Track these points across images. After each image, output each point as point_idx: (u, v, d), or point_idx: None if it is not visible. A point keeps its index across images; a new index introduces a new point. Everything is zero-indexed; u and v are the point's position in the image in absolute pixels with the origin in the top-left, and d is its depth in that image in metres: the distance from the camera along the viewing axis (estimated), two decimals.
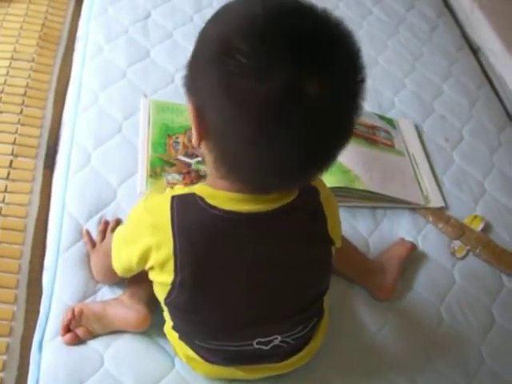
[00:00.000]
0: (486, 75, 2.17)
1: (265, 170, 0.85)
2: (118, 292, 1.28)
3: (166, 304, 1.06)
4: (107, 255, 1.12)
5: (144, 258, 0.98)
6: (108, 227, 1.38)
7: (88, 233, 1.37)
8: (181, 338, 1.13)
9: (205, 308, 1.02)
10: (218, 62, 0.79)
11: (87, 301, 1.28)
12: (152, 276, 1.02)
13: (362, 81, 0.83)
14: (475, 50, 2.26)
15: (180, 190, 0.96)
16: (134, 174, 1.50)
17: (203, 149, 0.90)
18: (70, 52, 1.88)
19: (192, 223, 0.93)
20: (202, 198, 0.92)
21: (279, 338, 1.07)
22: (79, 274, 1.31)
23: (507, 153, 1.88)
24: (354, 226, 1.54)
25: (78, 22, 1.97)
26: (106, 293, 1.29)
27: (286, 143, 0.80)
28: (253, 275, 0.98)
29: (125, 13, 1.94)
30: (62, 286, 1.29)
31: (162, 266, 0.96)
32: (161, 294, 1.04)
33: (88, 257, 1.34)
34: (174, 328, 1.12)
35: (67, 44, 1.91)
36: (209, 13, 2.03)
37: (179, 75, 1.77)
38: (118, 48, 1.82)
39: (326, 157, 0.86)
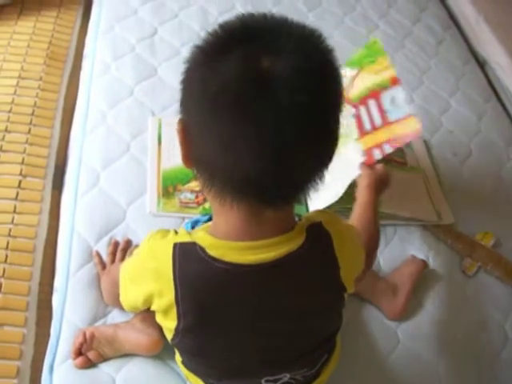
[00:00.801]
0: (493, 89, 2.16)
1: (245, 171, 0.80)
2: (128, 315, 1.27)
3: (172, 345, 1.04)
4: (115, 284, 1.10)
5: (148, 301, 0.96)
6: (118, 248, 1.37)
7: (98, 254, 1.37)
8: (191, 371, 1.11)
9: (211, 353, 1.00)
10: (186, 69, 0.84)
11: (98, 323, 1.27)
12: (158, 319, 1.00)
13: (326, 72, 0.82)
14: (482, 64, 2.26)
15: (183, 236, 0.93)
16: (144, 194, 1.50)
17: (195, 173, 0.88)
18: (77, 70, 1.88)
19: (193, 274, 0.90)
20: (202, 249, 0.89)
21: (288, 375, 1.05)
22: (89, 296, 1.31)
23: None
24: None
25: (84, 40, 1.98)
26: (117, 315, 1.29)
27: (256, 135, 0.77)
28: (258, 324, 0.96)
29: (131, 30, 1.95)
30: (72, 309, 1.29)
31: (165, 312, 0.95)
32: (167, 335, 1.02)
33: (98, 278, 1.34)
34: (184, 364, 1.11)
35: (74, 62, 1.91)
36: None
37: None
38: (125, 66, 1.82)
39: (303, 157, 0.82)
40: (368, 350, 1.35)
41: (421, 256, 1.54)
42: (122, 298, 1.06)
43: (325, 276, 0.97)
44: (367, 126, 1.48)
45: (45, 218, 1.48)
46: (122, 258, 1.35)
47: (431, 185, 1.70)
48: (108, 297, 1.29)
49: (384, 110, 1.47)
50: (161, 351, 1.22)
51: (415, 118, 1.44)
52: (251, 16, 0.83)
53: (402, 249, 1.55)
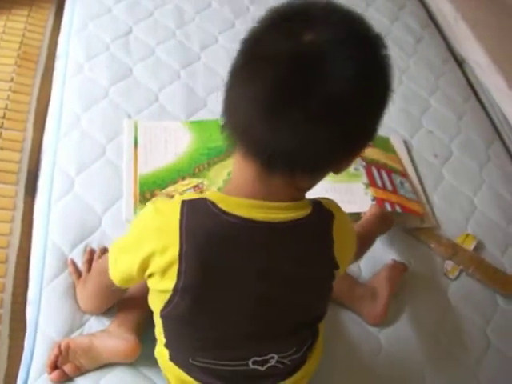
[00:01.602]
0: (472, 88, 2.15)
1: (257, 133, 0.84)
2: (105, 323, 1.24)
3: (161, 316, 1.02)
4: (101, 272, 1.09)
5: (145, 264, 0.95)
6: (94, 256, 1.33)
7: (73, 263, 1.32)
8: (172, 358, 1.08)
9: (204, 319, 0.99)
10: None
11: (74, 334, 1.23)
12: (151, 283, 0.98)
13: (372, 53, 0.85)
14: (460, 62, 2.25)
15: (191, 195, 0.97)
16: (120, 200, 1.46)
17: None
18: (49, 71, 1.82)
19: (202, 228, 0.91)
20: (213, 203, 0.91)
21: (276, 357, 1.04)
22: (65, 307, 1.26)
23: (496, 168, 1.86)
24: None
25: (57, 39, 1.93)
26: (94, 324, 1.25)
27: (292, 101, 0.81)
28: (258, 287, 0.96)
29: (106, 29, 1.90)
30: (47, 320, 1.25)
31: (164, 271, 0.93)
32: (158, 304, 1.00)
33: (73, 288, 1.29)
34: (167, 345, 1.08)
35: (47, 62, 1.85)
36: (191, 28, 2.03)
37: (163, 94, 1.73)
38: (100, 66, 1.78)
39: (335, 136, 0.84)
40: (350, 357, 1.32)
41: (402, 260, 1.52)
42: (113, 273, 1.05)
43: (323, 249, 0.99)
44: (378, 183, 1.60)
45: (17, 226, 1.43)
46: None
47: (413, 187, 1.68)
48: (85, 304, 1.25)
49: (395, 184, 1.64)
50: (139, 362, 1.19)
51: (422, 204, 1.64)
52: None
53: (382, 253, 1.53)
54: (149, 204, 0.98)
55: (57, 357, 1.15)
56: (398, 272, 1.46)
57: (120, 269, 1.03)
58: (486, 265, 1.56)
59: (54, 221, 1.40)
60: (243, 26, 2.06)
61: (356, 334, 1.37)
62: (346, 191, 1.55)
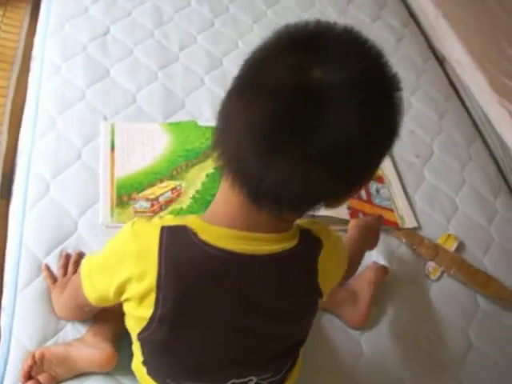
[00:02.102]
0: (453, 86, 2.14)
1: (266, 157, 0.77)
2: (81, 331, 1.21)
3: (138, 339, 0.99)
4: (75, 290, 1.05)
5: (122, 288, 0.92)
6: (69, 261, 1.31)
7: (48, 268, 1.30)
8: (150, 373, 1.06)
9: (181, 347, 0.96)
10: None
11: (49, 341, 1.20)
12: (128, 308, 0.95)
13: (387, 90, 0.79)
14: (441, 61, 2.24)
15: (171, 220, 0.90)
16: (96, 203, 1.43)
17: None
18: (25, 72, 1.80)
19: (181, 258, 0.87)
20: (194, 233, 0.86)
21: (254, 379, 1.01)
22: (39, 313, 1.24)
23: (477, 167, 1.86)
24: None
25: (33, 40, 1.90)
26: (70, 332, 1.22)
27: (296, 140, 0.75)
28: (237, 319, 0.93)
29: (82, 29, 1.87)
30: (21, 328, 1.22)
31: (141, 298, 0.90)
32: (135, 328, 0.97)
33: (48, 293, 1.26)
34: (145, 363, 1.05)
35: (22, 64, 1.83)
36: (170, 28, 2.00)
37: (141, 95, 1.71)
38: (76, 67, 1.75)
39: (332, 176, 0.78)
40: (331, 362, 1.31)
41: (383, 261, 1.50)
42: (87, 292, 1.00)
43: (307, 280, 0.95)
44: None
45: None
46: (74, 272, 1.29)
47: (393, 187, 1.67)
48: (62, 310, 1.22)
49: (370, 192, 1.63)
50: (116, 371, 1.17)
51: (396, 213, 1.61)
52: (322, 26, 0.79)
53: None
54: (127, 225, 0.93)
55: (31, 367, 1.13)
56: (379, 275, 1.44)
57: (96, 288, 0.99)
58: (468, 266, 1.55)
59: (29, 225, 1.37)
60: (223, 26, 2.04)
61: (337, 339, 1.35)
62: None
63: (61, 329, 1.22)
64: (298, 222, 0.97)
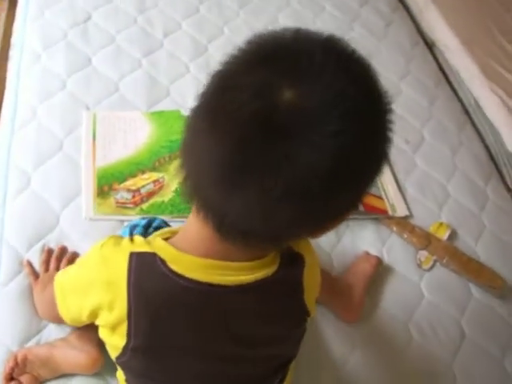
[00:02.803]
0: (443, 71, 2.11)
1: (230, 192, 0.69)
2: (65, 329, 1.17)
3: (117, 363, 0.95)
4: (51, 303, 0.99)
5: (94, 314, 0.87)
6: (52, 256, 1.27)
7: (30, 264, 1.26)
8: None
9: (160, 375, 0.92)
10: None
11: (32, 341, 1.17)
12: (102, 334, 0.91)
13: (372, 106, 0.68)
14: (430, 46, 2.20)
15: (140, 245, 0.83)
16: (79, 196, 1.39)
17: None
18: (4, 61, 1.74)
19: (150, 289, 0.82)
20: (163, 261, 0.80)
21: None
22: (21, 312, 1.20)
23: (469, 153, 1.82)
24: (314, 241, 1.45)
25: (12, 27, 1.84)
26: (53, 331, 1.18)
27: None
28: (215, 350, 0.88)
29: (63, 16, 1.82)
30: (2, 326, 1.19)
31: (113, 327, 0.86)
32: (111, 353, 0.93)
33: (31, 290, 1.23)
34: (127, 381, 1.01)
35: (1, 52, 1.77)
36: (154, 14, 1.94)
37: (124, 84, 1.66)
38: (57, 55, 1.70)
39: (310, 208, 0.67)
40: (323, 356, 1.28)
41: (374, 251, 1.48)
42: (61, 311, 0.97)
43: (292, 302, 0.90)
44: None
45: None
46: (57, 267, 1.25)
47: (384, 174, 1.64)
48: (43, 310, 1.18)
49: None
50: (101, 371, 1.13)
51: (386, 201, 1.57)
52: (294, 36, 0.68)
53: (354, 244, 1.49)
54: (96, 247, 0.88)
55: (12, 369, 1.09)
56: (371, 266, 1.41)
57: (69, 309, 0.94)
58: (460, 254, 1.53)
59: (10, 220, 1.33)
60: (208, 12, 1.99)
61: (328, 333, 1.32)
62: None
63: (44, 327, 1.19)
64: None
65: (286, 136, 0.63)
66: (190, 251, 0.80)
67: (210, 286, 0.80)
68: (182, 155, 0.74)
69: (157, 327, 0.84)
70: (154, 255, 0.81)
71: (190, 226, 0.81)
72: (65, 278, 0.97)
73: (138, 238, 0.85)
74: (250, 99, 0.63)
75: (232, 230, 0.72)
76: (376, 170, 0.71)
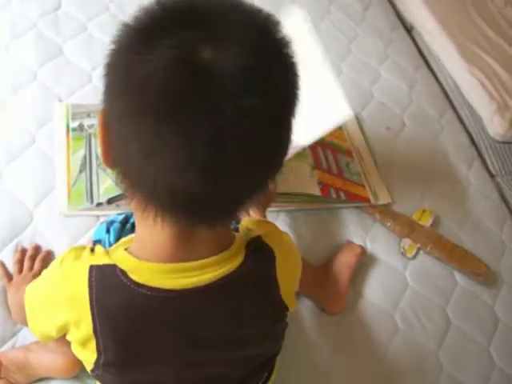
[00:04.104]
0: (422, 56, 2.08)
1: (171, 184, 0.66)
2: None
3: (92, 376, 0.91)
4: (23, 309, 0.94)
5: (63, 330, 0.83)
6: (26, 256, 1.22)
7: (2, 265, 1.22)
8: None
9: None
10: (112, 52, 0.67)
11: (6, 345, 1.14)
12: (74, 350, 0.86)
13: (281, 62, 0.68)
14: (409, 29, 2.17)
15: (100, 257, 0.79)
16: (52, 192, 1.34)
17: (115, 175, 0.73)
18: None
19: (113, 304, 0.78)
20: (124, 273, 0.76)
21: None
22: None
23: (450, 138, 1.81)
24: (296, 231, 1.43)
25: None
26: (28, 334, 1.15)
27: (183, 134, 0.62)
28: (189, 355, 0.84)
29: (32, 4, 1.75)
30: None
31: (83, 343, 0.82)
32: (86, 365, 0.88)
33: (4, 292, 1.18)
34: None
35: None
36: (125, 0, 1.87)
37: (97, 74, 1.61)
38: (27, 46, 1.63)
39: (241, 164, 0.66)
40: (308, 353, 1.25)
41: (357, 240, 1.46)
42: (30, 326, 0.92)
43: (266, 297, 0.86)
44: (323, 165, 1.52)
45: None
46: (31, 267, 1.21)
47: (365, 162, 1.61)
48: (16, 313, 1.13)
49: (340, 166, 1.55)
50: (80, 372, 1.10)
51: (367, 189, 1.55)
52: None
53: (337, 233, 1.47)
54: (56, 262, 0.84)
55: None
56: (355, 256, 1.39)
57: (38, 325, 0.90)
58: (444, 242, 1.51)
59: None
60: None
61: (312, 325, 1.30)
62: (291, 170, 1.44)
63: (19, 330, 1.16)
64: (243, 222, 0.89)
65: (210, 84, 0.62)
66: (150, 258, 0.77)
67: (172, 291, 0.76)
68: (120, 172, 0.71)
69: (125, 341, 0.80)
70: (114, 267, 0.77)
71: (144, 233, 0.78)
72: (32, 294, 0.91)
73: (98, 249, 0.81)
74: (169, 56, 0.62)
75: (176, 207, 0.69)
76: (294, 99, 0.70)
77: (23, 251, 1.24)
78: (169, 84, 0.61)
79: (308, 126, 1.14)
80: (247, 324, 0.85)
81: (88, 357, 0.82)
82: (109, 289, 0.77)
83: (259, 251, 0.83)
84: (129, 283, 0.76)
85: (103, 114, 0.70)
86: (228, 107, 0.61)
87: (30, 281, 0.95)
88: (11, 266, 1.22)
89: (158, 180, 0.66)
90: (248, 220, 0.90)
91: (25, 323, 1.10)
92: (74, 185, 1.34)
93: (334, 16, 2.04)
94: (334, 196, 1.46)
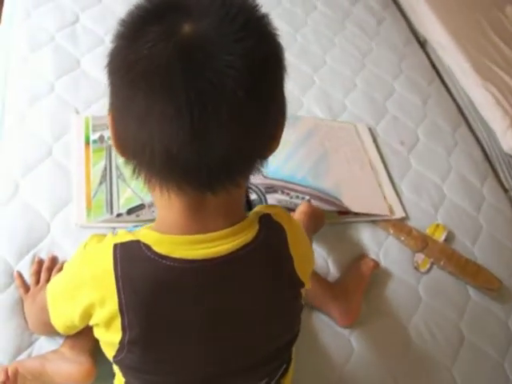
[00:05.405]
0: (436, 69, 2.09)
1: (165, 148, 0.72)
2: (58, 342, 1.14)
3: (114, 362, 0.93)
4: (42, 309, 0.98)
5: (87, 314, 0.86)
6: (43, 267, 1.24)
7: (20, 275, 1.23)
8: None
9: (159, 368, 0.90)
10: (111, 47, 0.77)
11: (23, 355, 1.14)
12: (97, 334, 0.89)
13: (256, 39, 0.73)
14: (422, 43, 2.19)
15: (123, 236, 0.84)
16: (69, 203, 1.35)
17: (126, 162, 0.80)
18: None
19: (139, 277, 0.81)
20: (148, 246, 0.80)
21: None
22: (12, 324, 1.16)
23: (463, 152, 1.81)
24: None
25: None
26: (44, 344, 1.15)
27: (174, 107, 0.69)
28: (210, 328, 0.87)
29: (50, 17, 1.78)
30: None
31: (107, 323, 0.84)
32: (109, 352, 0.91)
33: (21, 303, 1.19)
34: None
35: None
36: None
37: None
38: (45, 58, 1.66)
39: (232, 130, 0.72)
40: (321, 361, 1.26)
41: (371, 254, 1.46)
42: (53, 320, 0.95)
43: (282, 270, 0.89)
44: None
45: None
46: (48, 278, 1.22)
47: (380, 176, 1.62)
48: (34, 323, 1.15)
49: None
50: (95, 380, 1.10)
51: (385, 202, 1.58)
52: None
53: (351, 248, 1.47)
54: (80, 247, 0.89)
55: (3, 383, 1.06)
56: (368, 269, 1.40)
57: (61, 316, 0.93)
58: (457, 256, 1.51)
59: None
60: None
61: (326, 337, 1.30)
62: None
63: (35, 340, 1.15)
64: (256, 208, 0.93)
65: (191, 52, 0.69)
66: (168, 232, 0.81)
67: (193, 261, 0.80)
68: (131, 154, 0.78)
69: (150, 315, 0.83)
70: (137, 242, 0.81)
71: (160, 210, 0.83)
72: (53, 285, 0.96)
73: (121, 231, 0.85)
74: (155, 34, 0.70)
75: (175, 174, 0.74)
76: (274, 63, 0.77)
77: (40, 262, 1.25)
78: (156, 56, 0.69)
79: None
80: (265, 297, 0.88)
81: (112, 337, 0.84)
82: (133, 262, 0.81)
83: (270, 226, 0.87)
84: (152, 255, 0.80)
85: (109, 104, 0.78)
86: (209, 69, 0.68)
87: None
88: (28, 277, 1.23)
89: (154, 145, 0.72)
90: (258, 206, 0.95)
91: (41, 332, 1.15)
92: (94, 196, 1.35)
93: (349, 30, 2.06)
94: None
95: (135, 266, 0.81)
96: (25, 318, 1.17)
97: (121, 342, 0.84)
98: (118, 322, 0.82)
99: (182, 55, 0.69)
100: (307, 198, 1.46)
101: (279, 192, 1.44)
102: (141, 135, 0.73)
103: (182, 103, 0.68)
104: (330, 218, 1.47)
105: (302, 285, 0.92)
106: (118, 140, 0.79)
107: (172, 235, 0.81)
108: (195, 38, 0.69)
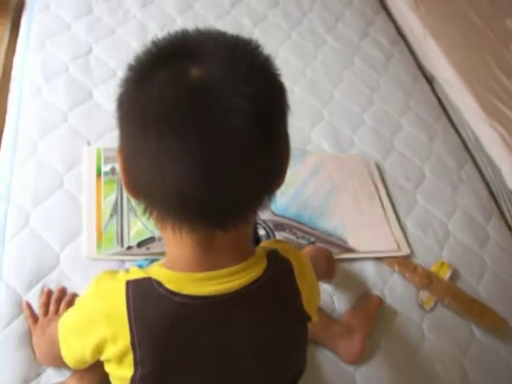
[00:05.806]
0: (443, 107, 2.11)
1: (177, 188, 0.74)
2: (65, 374, 1.15)
3: None
4: (50, 341, 1.00)
5: (99, 350, 0.87)
6: (52, 298, 1.25)
7: (29, 306, 1.24)
8: None
9: None
10: (120, 91, 0.79)
11: None
12: (109, 369, 0.90)
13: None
14: (430, 80, 2.21)
15: (135, 273, 0.85)
16: (80, 235, 1.37)
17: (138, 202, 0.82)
18: (4, 93, 1.72)
19: (151, 314, 0.83)
20: (159, 283, 0.82)
21: None
22: (20, 355, 1.17)
23: (469, 190, 1.82)
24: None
25: (12, 59, 1.83)
26: (52, 375, 1.16)
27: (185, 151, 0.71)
28: (221, 364, 0.88)
29: (64, 48, 1.81)
30: (0, 370, 1.16)
31: (119, 359, 0.85)
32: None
33: (30, 333, 1.20)
34: None
35: (1, 84, 1.76)
36: None
37: None
38: (58, 88, 1.68)
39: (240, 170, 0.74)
40: None
41: (376, 290, 1.47)
42: (64, 355, 0.95)
43: (290, 304, 0.91)
44: None
45: None
46: (56, 310, 1.23)
47: (387, 213, 1.63)
48: (42, 355, 1.16)
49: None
50: None
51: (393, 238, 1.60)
52: (185, 32, 0.78)
53: (355, 284, 1.48)
54: (93, 283, 0.90)
55: None
56: (373, 306, 1.41)
57: (72, 351, 0.94)
58: (462, 295, 1.52)
59: (8, 259, 1.31)
60: None
61: (331, 373, 1.30)
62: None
63: (42, 372, 1.17)
64: (263, 244, 0.95)
65: (199, 95, 0.72)
66: (179, 269, 0.83)
67: (204, 298, 0.82)
68: (143, 196, 0.80)
69: (161, 351, 0.84)
70: (149, 279, 0.83)
71: (171, 247, 0.85)
72: (65, 320, 0.96)
73: (133, 268, 0.87)
74: (165, 79, 0.73)
75: (187, 212, 0.76)
76: (279, 101, 0.79)
77: (49, 294, 1.26)
78: (167, 100, 0.72)
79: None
80: (276, 330, 0.90)
81: (124, 373, 0.85)
82: (146, 299, 0.82)
83: (278, 261, 0.89)
84: (164, 292, 0.81)
85: (119, 146, 0.80)
86: (217, 111, 0.70)
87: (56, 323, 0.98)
88: (37, 307, 1.24)
89: (167, 186, 0.74)
90: (264, 241, 0.97)
91: (49, 363, 1.16)
92: (104, 229, 1.37)
93: (357, 66, 2.08)
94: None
95: (147, 303, 0.82)
96: (33, 348, 1.18)
97: (133, 378, 0.85)
98: (130, 358, 0.83)
99: (192, 98, 0.71)
100: (312, 239, 1.48)
101: (287, 230, 1.45)
102: (154, 176, 0.75)
103: (193, 144, 0.70)
104: (337, 254, 1.48)
105: (308, 319, 0.94)
106: (130, 181, 0.80)
107: (183, 272, 0.82)
108: (203, 81, 0.72)
